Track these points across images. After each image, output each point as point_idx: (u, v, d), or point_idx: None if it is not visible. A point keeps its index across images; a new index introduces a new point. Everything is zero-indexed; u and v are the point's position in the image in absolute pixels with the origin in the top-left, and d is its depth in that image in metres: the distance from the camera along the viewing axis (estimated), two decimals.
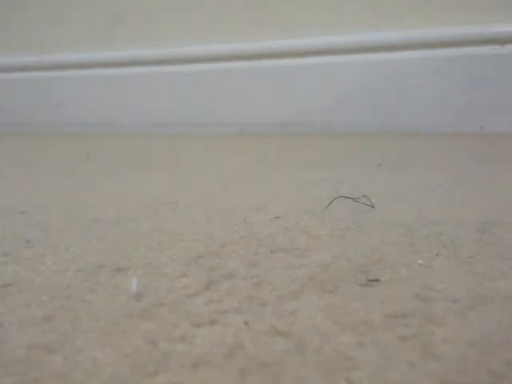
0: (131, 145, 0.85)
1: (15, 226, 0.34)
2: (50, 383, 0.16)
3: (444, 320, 0.19)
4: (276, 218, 0.33)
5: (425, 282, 0.22)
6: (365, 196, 0.35)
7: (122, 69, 0.97)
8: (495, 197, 0.37)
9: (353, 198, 0.35)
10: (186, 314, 0.20)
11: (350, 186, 0.42)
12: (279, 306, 0.20)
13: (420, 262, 0.24)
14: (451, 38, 0.76)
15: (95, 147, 0.82)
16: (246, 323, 0.19)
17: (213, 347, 0.17)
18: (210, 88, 0.92)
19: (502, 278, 0.22)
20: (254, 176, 0.50)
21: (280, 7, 0.86)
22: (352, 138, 0.78)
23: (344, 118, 0.84)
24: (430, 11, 0.77)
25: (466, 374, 0.15)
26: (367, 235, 0.29)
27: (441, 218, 0.32)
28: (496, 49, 0.74)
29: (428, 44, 0.77)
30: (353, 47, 0.82)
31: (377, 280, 0.22)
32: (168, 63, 0.94)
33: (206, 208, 0.37)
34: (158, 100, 0.96)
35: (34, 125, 1.06)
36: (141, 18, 0.95)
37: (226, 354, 0.17)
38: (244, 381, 0.16)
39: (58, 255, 0.27)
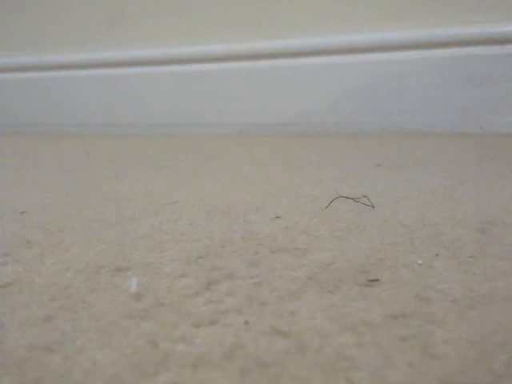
0: (131, 145, 0.85)
1: (15, 226, 0.34)
2: (50, 383, 0.16)
3: (444, 320, 0.19)
4: (276, 217, 0.33)
5: (425, 282, 0.22)
6: (365, 196, 0.35)
7: (121, 69, 0.97)
8: (495, 197, 0.37)
9: (353, 198, 0.35)
10: (186, 314, 0.20)
11: (349, 186, 0.42)
12: (279, 306, 0.20)
13: (420, 262, 0.24)
14: (451, 38, 0.76)
15: (95, 147, 0.82)
16: (246, 323, 0.19)
17: (213, 347, 0.17)
18: (210, 88, 0.92)
19: (502, 278, 0.22)
20: (253, 176, 0.50)
21: (280, 7, 0.86)
22: (352, 138, 0.78)
23: (344, 117, 0.84)
24: (430, 11, 0.77)
25: (466, 374, 0.15)
26: (367, 235, 0.29)
27: (441, 218, 0.31)
28: (496, 49, 0.74)
29: (428, 44, 0.77)
30: (353, 47, 0.82)
31: (377, 280, 0.22)
32: (168, 63, 0.94)
33: (206, 208, 0.37)
34: (158, 100, 0.96)
35: (34, 125, 1.06)
36: (141, 18, 0.95)
37: (226, 354, 0.17)
38: (244, 381, 0.16)
39: (57, 255, 0.27)
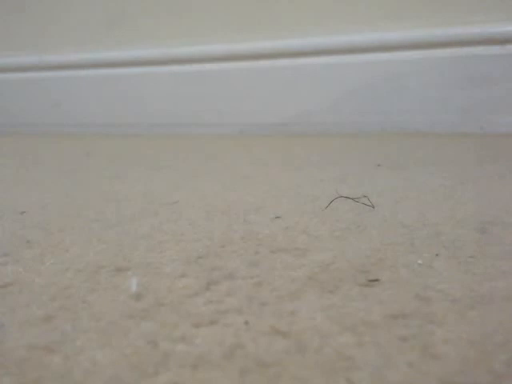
0: (131, 145, 0.85)
1: (15, 226, 0.34)
2: (50, 383, 0.16)
3: (444, 320, 0.19)
4: (276, 217, 0.33)
5: (425, 282, 0.22)
6: (365, 196, 0.35)
7: (121, 69, 0.97)
8: (495, 197, 0.37)
9: (353, 198, 0.35)
10: (186, 314, 0.20)
11: (349, 186, 0.42)
12: (279, 306, 0.20)
13: (420, 262, 0.24)
14: (451, 38, 0.76)
15: (95, 147, 0.82)
16: (246, 323, 0.19)
17: (213, 347, 0.17)
18: (210, 88, 0.92)
19: (502, 278, 0.22)
20: (253, 176, 0.50)
21: (280, 7, 0.86)
22: (352, 138, 0.78)
23: (344, 117, 0.84)
24: (430, 11, 0.77)
25: (466, 374, 0.15)
26: (367, 235, 0.29)
27: (441, 218, 0.31)
28: (496, 49, 0.74)
29: (428, 44, 0.77)
30: (353, 47, 0.82)
31: (377, 280, 0.22)
32: (168, 63, 0.94)
33: (206, 208, 0.37)
34: (158, 100, 0.96)
35: (34, 125, 1.06)
36: (141, 18, 0.95)
37: (226, 354, 0.17)
38: (244, 381, 0.16)
39: (58, 255, 0.27)
